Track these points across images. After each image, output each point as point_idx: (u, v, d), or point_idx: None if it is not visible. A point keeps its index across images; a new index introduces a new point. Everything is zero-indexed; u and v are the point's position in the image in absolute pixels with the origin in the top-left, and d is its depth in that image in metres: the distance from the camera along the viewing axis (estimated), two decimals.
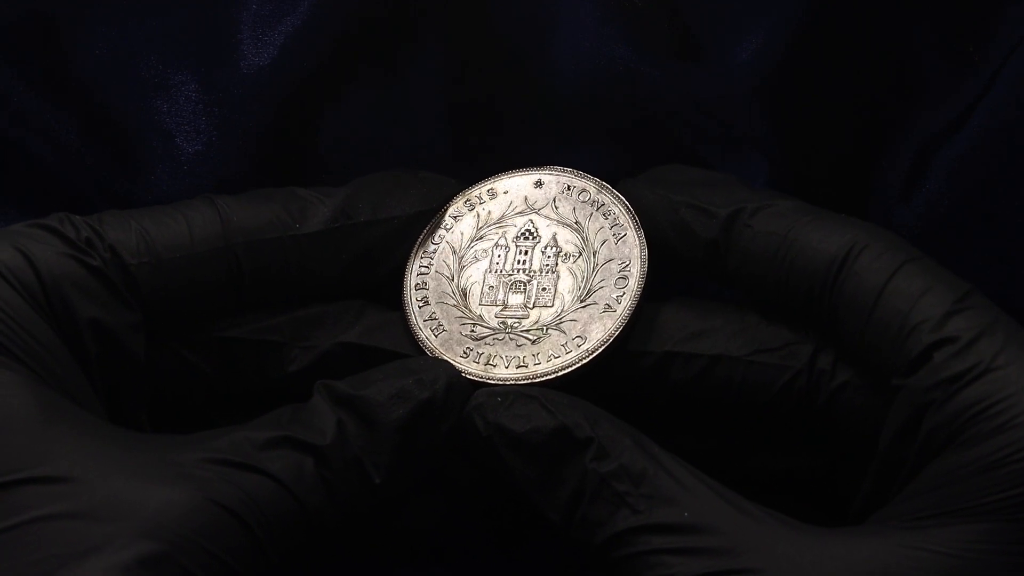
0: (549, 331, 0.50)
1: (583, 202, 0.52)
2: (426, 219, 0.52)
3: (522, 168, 0.53)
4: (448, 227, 0.52)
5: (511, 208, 0.52)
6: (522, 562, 0.56)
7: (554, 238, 0.51)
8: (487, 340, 0.50)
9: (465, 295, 0.51)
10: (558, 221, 0.52)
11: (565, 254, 0.51)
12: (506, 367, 0.49)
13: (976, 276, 0.54)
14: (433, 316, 0.50)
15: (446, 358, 0.49)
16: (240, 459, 0.43)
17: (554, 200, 0.52)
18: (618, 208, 0.51)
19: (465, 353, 0.50)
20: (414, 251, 0.51)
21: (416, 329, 0.50)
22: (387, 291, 0.52)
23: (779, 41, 0.54)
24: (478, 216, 0.52)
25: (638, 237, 0.51)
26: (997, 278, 0.55)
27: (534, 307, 0.50)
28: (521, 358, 0.49)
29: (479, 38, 0.55)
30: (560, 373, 0.49)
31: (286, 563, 0.44)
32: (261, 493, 0.43)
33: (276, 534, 0.43)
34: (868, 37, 0.55)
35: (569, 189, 0.52)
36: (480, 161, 0.54)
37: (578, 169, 0.53)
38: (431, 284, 0.51)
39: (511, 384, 0.49)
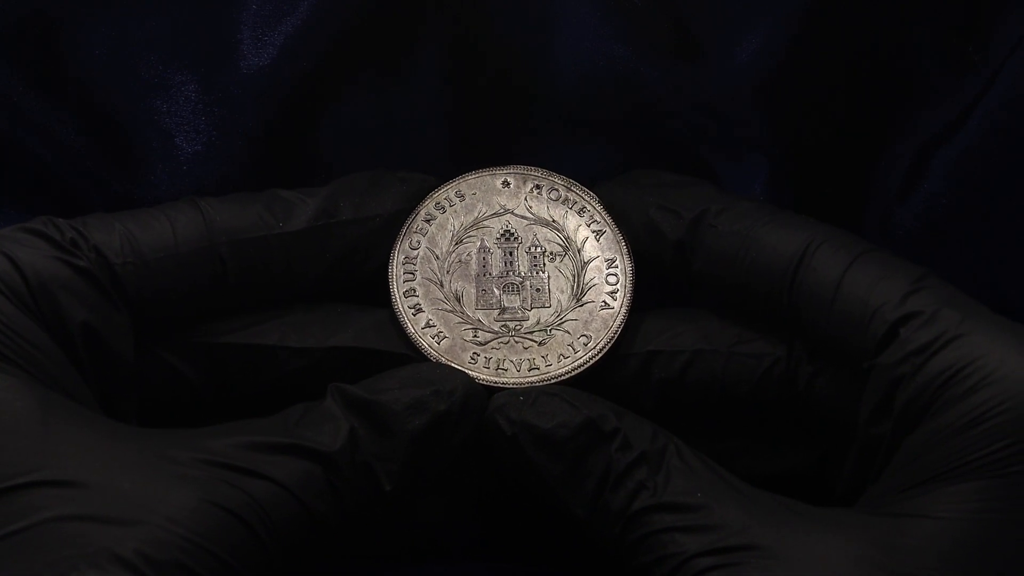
0: (552, 331, 0.50)
1: (554, 200, 0.52)
2: (407, 217, 0.52)
3: (485, 168, 0.53)
4: (424, 232, 0.52)
5: (484, 210, 0.52)
6: (522, 562, 0.56)
7: (535, 238, 0.52)
8: (492, 344, 0.50)
9: (459, 300, 0.51)
10: (535, 220, 0.52)
11: (551, 253, 0.51)
12: (517, 370, 0.49)
13: (975, 276, 0.54)
14: (430, 323, 0.50)
15: (454, 365, 0.49)
16: (247, 464, 0.43)
17: (525, 199, 0.52)
18: (590, 205, 0.52)
19: (473, 358, 0.50)
20: (393, 258, 0.51)
21: (416, 338, 0.50)
22: (369, 290, 0.52)
23: (779, 41, 0.55)
24: (451, 219, 0.52)
25: (617, 234, 0.51)
26: (996, 278, 0.55)
27: (532, 308, 0.51)
28: (532, 360, 0.50)
29: (479, 38, 0.55)
30: (575, 372, 0.49)
31: (291, 566, 0.44)
32: (267, 498, 0.43)
33: (281, 538, 0.43)
34: (868, 37, 0.55)
35: (538, 188, 0.52)
36: (480, 161, 0.54)
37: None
38: (420, 291, 0.51)
39: (527, 385, 0.49)
